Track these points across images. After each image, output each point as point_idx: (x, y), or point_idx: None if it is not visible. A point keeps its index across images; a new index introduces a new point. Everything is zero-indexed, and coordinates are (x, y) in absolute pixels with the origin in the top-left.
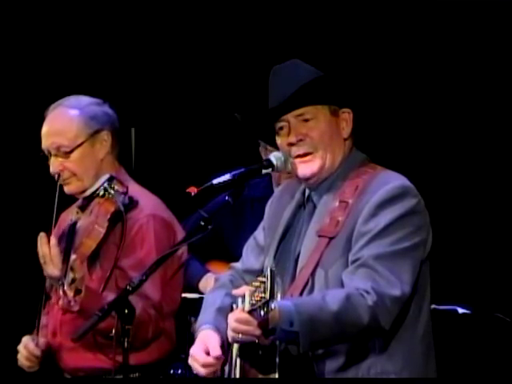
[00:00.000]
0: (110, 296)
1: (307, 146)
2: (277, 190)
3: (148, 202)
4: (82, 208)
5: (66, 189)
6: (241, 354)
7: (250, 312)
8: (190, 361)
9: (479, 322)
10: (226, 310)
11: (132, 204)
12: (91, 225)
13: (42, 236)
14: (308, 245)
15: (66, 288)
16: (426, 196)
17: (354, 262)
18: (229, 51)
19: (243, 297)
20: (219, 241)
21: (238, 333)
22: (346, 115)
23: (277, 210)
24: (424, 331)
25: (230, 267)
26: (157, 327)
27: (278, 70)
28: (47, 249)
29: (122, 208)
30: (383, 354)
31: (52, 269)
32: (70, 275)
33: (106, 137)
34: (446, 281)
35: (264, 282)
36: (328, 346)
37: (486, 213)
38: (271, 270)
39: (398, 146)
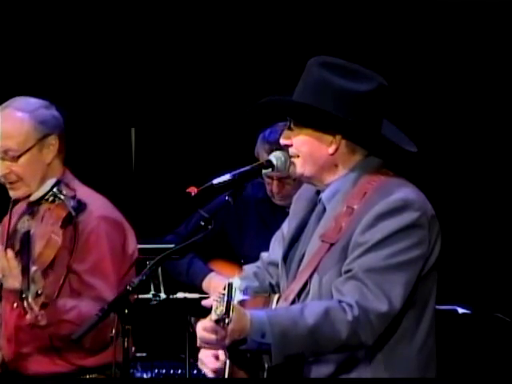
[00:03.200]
0: (69, 304)
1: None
2: (305, 184)
3: (96, 204)
4: (32, 215)
5: (13, 193)
6: (230, 355)
7: (217, 321)
8: (200, 365)
9: (479, 321)
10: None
11: (81, 207)
12: (47, 234)
13: None
14: (311, 248)
15: (30, 302)
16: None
17: (345, 272)
18: (228, 52)
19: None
20: (223, 241)
21: (204, 341)
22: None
23: (300, 204)
24: (422, 345)
25: (259, 258)
26: (116, 328)
27: (313, 68)
28: (5, 261)
29: (73, 212)
30: (373, 364)
31: (12, 281)
32: (33, 288)
33: (53, 141)
34: (446, 281)
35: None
36: (304, 358)
37: (485, 213)
38: (229, 284)
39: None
